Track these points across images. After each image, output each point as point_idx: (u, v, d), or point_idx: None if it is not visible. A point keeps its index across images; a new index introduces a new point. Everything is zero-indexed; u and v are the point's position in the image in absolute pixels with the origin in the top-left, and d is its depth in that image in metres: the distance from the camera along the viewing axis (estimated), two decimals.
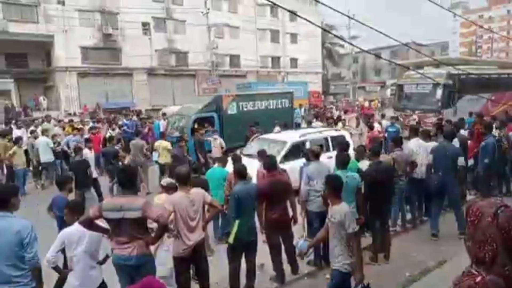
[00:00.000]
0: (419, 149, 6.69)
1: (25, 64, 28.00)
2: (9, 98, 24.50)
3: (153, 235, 3.85)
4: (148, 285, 2.19)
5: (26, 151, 11.01)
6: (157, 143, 10.54)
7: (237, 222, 4.65)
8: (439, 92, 17.01)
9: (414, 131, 7.22)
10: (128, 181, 3.89)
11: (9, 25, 24.42)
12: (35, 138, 11.19)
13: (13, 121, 16.34)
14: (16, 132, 12.58)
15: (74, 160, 8.42)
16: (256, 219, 4.97)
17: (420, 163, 6.59)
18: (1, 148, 10.27)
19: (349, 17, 14.90)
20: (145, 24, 30.53)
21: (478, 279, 1.60)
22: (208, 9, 29.84)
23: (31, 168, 11.24)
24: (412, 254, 5.68)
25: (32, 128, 12.75)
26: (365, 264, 4.51)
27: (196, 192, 4.37)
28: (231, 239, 4.71)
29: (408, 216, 6.95)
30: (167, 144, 10.12)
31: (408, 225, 6.83)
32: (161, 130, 12.70)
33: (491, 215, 1.64)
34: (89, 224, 3.84)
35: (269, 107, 14.57)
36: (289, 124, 13.20)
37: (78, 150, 8.42)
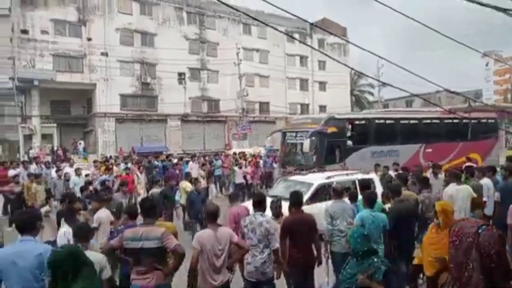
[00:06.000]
0: (457, 194, 6.33)
1: (67, 110, 30.04)
2: (51, 141, 26.09)
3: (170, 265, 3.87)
4: None
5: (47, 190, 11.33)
6: (180, 184, 10.25)
7: None
8: (306, 143, 12.41)
9: (454, 176, 6.80)
10: (150, 209, 3.99)
11: (57, 75, 26.51)
12: (67, 179, 11.72)
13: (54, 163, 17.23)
14: (66, 169, 13.21)
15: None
16: None
17: (458, 209, 6.24)
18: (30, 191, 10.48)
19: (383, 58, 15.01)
20: (181, 74, 32.30)
21: None
22: (240, 60, 31.27)
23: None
24: None
25: (67, 168, 13.40)
26: None
27: (223, 230, 4.27)
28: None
29: None
30: (186, 184, 9.86)
31: None
32: (187, 170, 12.84)
33: (472, 235, 1.57)
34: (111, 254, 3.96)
35: None
36: None
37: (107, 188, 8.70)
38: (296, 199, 5.21)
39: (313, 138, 12.74)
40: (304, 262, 4.91)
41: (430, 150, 14.95)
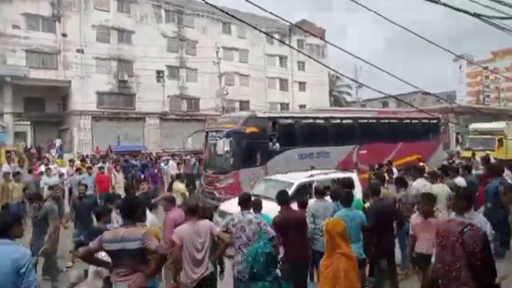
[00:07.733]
0: (424, 190, 6.60)
1: (42, 108, 29.11)
2: (24, 140, 25.21)
3: (151, 266, 3.80)
4: None
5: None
6: (174, 187, 9.50)
7: None
8: (220, 144, 11.45)
9: (419, 172, 7.16)
10: (130, 211, 3.90)
11: (30, 71, 25.62)
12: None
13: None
14: (42, 168, 12.75)
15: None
16: None
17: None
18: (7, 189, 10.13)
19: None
20: (159, 72, 31.85)
21: None
22: (220, 59, 31.10)
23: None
24: None
25: (42, 167, 12.99)
26: None
27: (203, 223, 4.30)
28: None
29: None
30: (181, 187, 9.44)
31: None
32: (171, 171, 12.55)
33: (457, 234, 1.62)
34: (89, 258, 3.86)
35: None
36: None
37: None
38: (281, 198, 5.27)
39: (230, 138, 11.65)
40: (299, 257, 4.94)
41: (364, 151, 14.23)
